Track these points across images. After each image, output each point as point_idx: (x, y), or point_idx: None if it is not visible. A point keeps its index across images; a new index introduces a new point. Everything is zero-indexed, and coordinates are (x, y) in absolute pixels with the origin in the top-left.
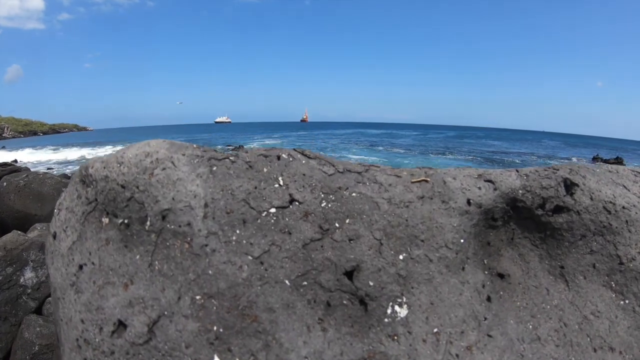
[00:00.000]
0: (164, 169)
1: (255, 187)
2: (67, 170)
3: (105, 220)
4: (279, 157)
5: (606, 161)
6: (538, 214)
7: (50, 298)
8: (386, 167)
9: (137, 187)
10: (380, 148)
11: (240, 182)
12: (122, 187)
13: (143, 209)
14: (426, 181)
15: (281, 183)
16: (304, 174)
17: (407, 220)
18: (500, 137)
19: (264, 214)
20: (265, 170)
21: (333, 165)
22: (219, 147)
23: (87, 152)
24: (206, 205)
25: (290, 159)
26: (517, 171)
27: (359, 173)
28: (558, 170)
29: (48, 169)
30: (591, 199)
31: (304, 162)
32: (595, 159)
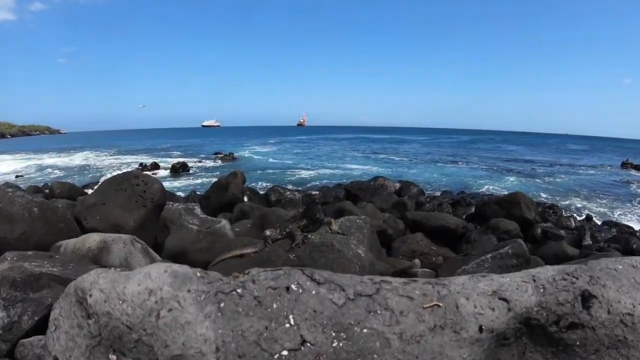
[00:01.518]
0: (170, 310)
1: (266, 328)
2: (39, 180)
3: (113, 357)
4: (288, 289)
5: (637, 167)
6: (551, 330)
7: (23, 340)
8: (398, 283)
9: (144, 330)
10: (383, 156)
11: (250, 321)
12: (128, 327)
13: (152, 351)
14: (438, 306)
15: (292, 323)
16: (314, 311)
17: (417, 358)
18: (519, 142)
19: (275, 357)
20: (275, 306)
21: (343, 290)
22: (208, 155)
23: (61, 160)
24: (217, 349)
25: (300, 291)
26: (534, 280)
27: (370, 296)
28: (577, 279)
29: (17, 176)
30: (609, 312)
31: (313, 292)
32: (624, 165)
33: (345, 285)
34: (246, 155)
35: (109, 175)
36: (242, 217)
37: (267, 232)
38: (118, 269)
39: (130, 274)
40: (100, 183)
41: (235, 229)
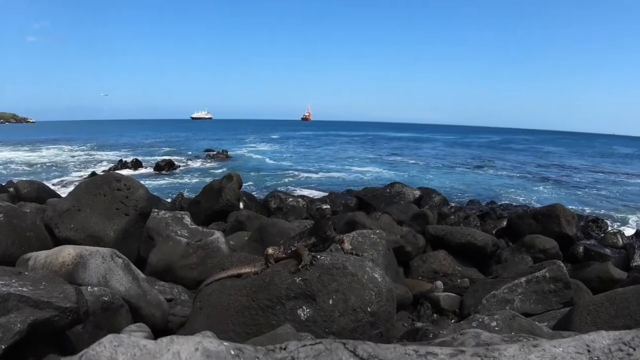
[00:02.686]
0: None
1: None
2: (2, 177)
3: None
4: None
5: None
6: None
7: None
8: (444, 355)
9: None
10: (400, 158)
11: None
12: None
13: None
14: None
15: None
16: None
17: None
18: (558, 143)
19: None
20: None
21: None
22: (198, 153)
23: (28, 155)
24: None
25: None
26: (589, 351)
27: None
28: (635, 350)
29: None
30: None
31: None
32: None
33: (390, 359)
34: (242, 153)
35: (84, 174)
36: (238, 228)
37: (270, 251)
38: (138, 335)
39: (155, 350)
40: (75, 186)
41: (230, 242)
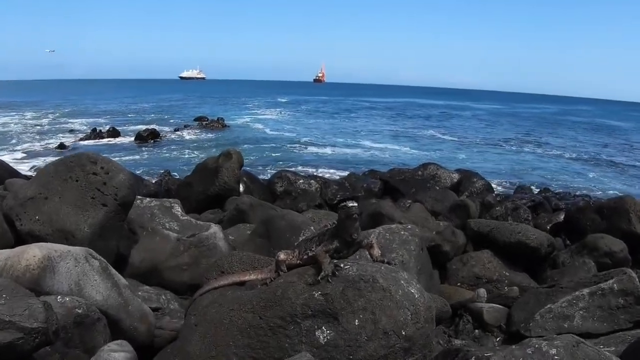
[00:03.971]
0: None
1: None
2: None
3: None
4: None
5: None
6: None
7: None
8: None
9: None
10: (432, 131)
11: None
12: None
13: None
14: None
15: None
16: None
17: None
18: (627, 117)
19: None
20: None
21: None
22: (188, 121)
23: None
24: None
25: None
26: None
27: None
28: None
29: None
30: None
31: None
32: None
33: None
34: (242, 122)
35: (50, 144)
36: (238, 219)
37: (282, 256)
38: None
39: None
40: (41, 168)
41: (230, 237)
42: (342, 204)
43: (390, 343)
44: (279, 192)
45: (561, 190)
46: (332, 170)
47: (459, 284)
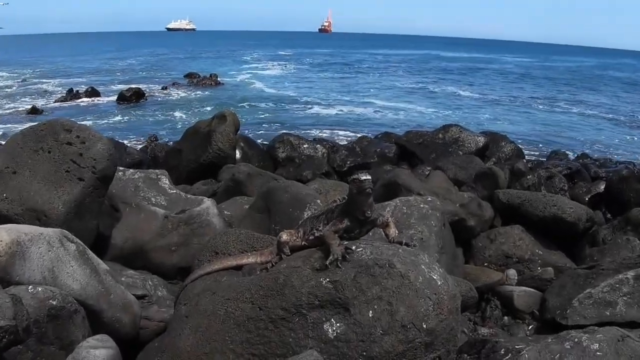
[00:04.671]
0: None
1: None
2: None
3: None
4: None
5: None
6: None
7: None
8: None
9: None
10: (452, 89)
11: None
12: None
13: None
14: None
15: None
16: None
17: None
18: None
19: None
20: None
21: None
22: (177, 78)
23: None
24: None
25: None
26: None
27: None
28: None
29: None
30: None
31: None
32: None
33: None
34: (238, 79)
35: (18, 108)
36: (235, 191)
37: (284, 236)
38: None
39: None
40: (8, 139)
41: (225, 213)
42: (354, 177)
43: (410, 337)
44: (280, 158)
45: (601, 157)
46: (340, 133)
47: (485, 264)
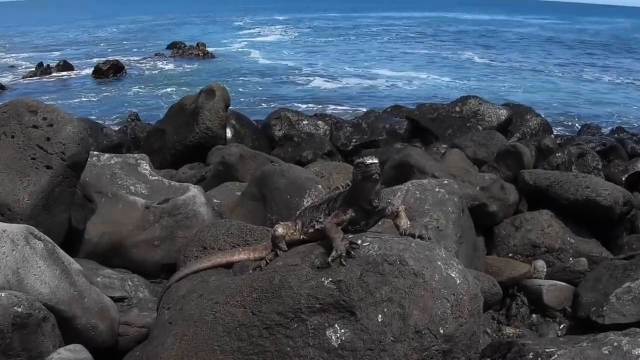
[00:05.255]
0: None
1: None
2: None
3: None
4: None
5: None
6: None
7: None
8: None
9: None
10: (468, 54)
11: None
12: None
13: None
14: None
15: None
16: None
17: None
18: None
19: None
20: None
21: None
22: (159, 48)
23: None
24: None
25: None
26: None
27: None
28: None
29: None
30: None
31: None
32: None
33: None
34: (230, 48)
35: None
36: (225, 176)
37: (280, 230)
38: None
39: None
40: None
41: (214, 200)
42: (358, 161)
43: (425, 345)
44: (277, 137)
45: (639, 131)
46: (344, 108)
47: (510, 254)
